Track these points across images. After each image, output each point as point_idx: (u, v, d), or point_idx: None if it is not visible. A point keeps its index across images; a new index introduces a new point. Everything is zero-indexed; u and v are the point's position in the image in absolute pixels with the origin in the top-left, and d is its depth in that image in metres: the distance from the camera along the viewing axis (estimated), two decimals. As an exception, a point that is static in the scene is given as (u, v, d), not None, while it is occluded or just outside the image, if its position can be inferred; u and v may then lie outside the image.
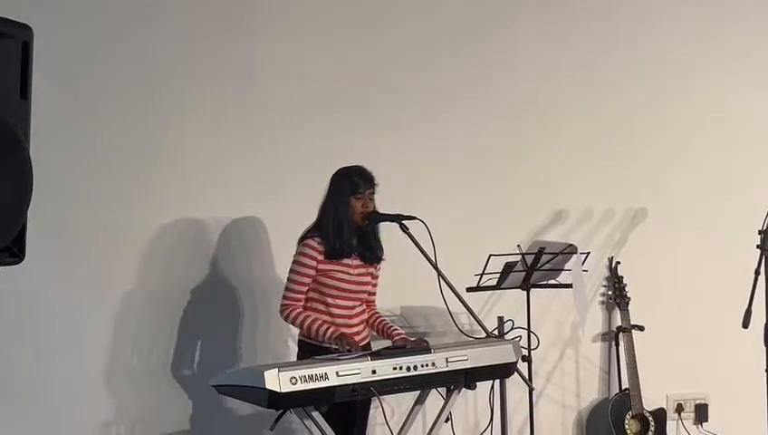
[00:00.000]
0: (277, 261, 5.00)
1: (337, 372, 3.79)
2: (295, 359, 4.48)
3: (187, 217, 5.02)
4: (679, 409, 5.60)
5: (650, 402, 5.34)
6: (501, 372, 4.33)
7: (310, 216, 4.42)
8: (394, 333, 4.43)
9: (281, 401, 3.72)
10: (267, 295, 5.00)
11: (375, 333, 4.53)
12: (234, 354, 5.05)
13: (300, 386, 3.69)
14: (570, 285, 4.90)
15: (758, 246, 4.49)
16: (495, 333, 4.63)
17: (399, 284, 4.80)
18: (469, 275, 4.73)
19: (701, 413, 5.63)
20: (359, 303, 4.44)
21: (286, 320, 4.36)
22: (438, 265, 4.25)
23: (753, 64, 5.70)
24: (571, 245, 4.94)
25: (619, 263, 5.51)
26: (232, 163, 5.07)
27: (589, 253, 5.07)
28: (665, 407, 5.46)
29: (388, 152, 5.15)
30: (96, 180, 4.94)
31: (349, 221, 4.33)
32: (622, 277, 5.48)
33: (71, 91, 4.92)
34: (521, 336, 4.57)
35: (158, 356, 4.99)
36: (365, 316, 4.50)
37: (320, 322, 4.29)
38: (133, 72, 5.00)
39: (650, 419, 5.29)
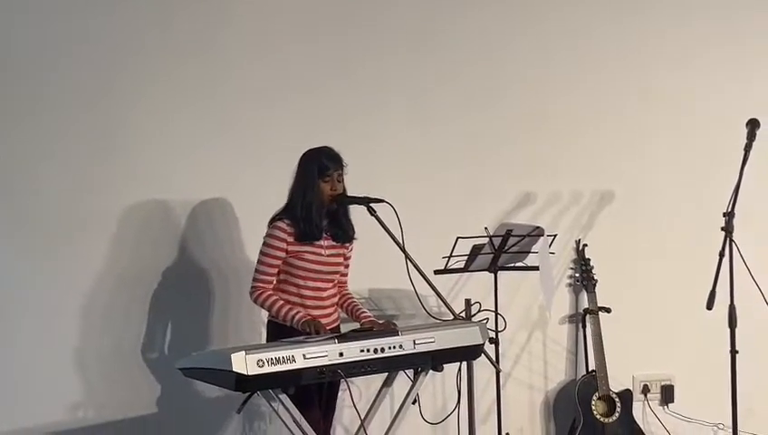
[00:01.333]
0: (246, 242, 5.00)
1: (304, 355, 3.79)
2: (265, 340, 4.49)
3: (154, 198, 4.99)
4: (645, 390, 5.65)
5: (617, 384, 5.38)
6: (468, 354, 4.34)
7: (279, 196, 4.40)
8: (362, 315, 4.44)
9: (248, 384, 3.72)
10: (239, 277, 4.99)
11: (345, 315, 4.55)
12: (205, 337, 5.05)
13: (267, 369, 3.69)
14: (537, 268, 4.92)
15: (722, 229, 4.53)
16: (463, 315, 4.64)
17: (368, 266, 4.80)
18: (437, 258, 4.74)
19: (667, 394, 5.68)
20: (330, 284, 4.44)
21: (255, 302, 4.36)
22: (406, 248, 4.26)
23: (718, 47, 5.73)
24: (538, 227, 4.95)
25: (586, 245, 5.54)
26: (200, 144, 5.04)
27: (556, 235, 5.10)
28: (631, 388, 5.50)
29: (357, 134, 5.14)
30: (60, 163, 4.91)
31: (318, 204, 4.32)
32: (589, 260, 5.51)
33: (31, 74, 4.88)
34: (488, 318, 4.57)
35: (128, 339, 4.98)
36: (337, 298, 4.50)
37: (288, 306, 4.28)
38: (96, 53, 4.95)
39: (617, 400, 5.33)
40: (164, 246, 5.02)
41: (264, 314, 4.54)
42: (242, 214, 5.06)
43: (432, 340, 4.12)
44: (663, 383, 5.68)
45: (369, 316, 4.44)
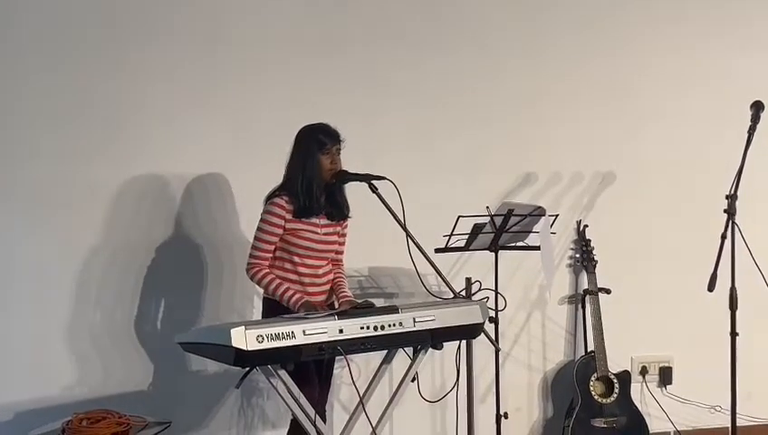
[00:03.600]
0: (241, 218, 4.99)
1: (304, 331, 3.78)
2: (260, 317, 4.47)
3: (150, 173, 4.98)
4: (644, 371, 5.65)
5: (615, 365, 5.38)
6: (467, 332, 4.32)
7: (274, 172, 4.38)
8: (341, 294, 4.41)
9: (247, 359, 3.70)
10: (232, 253, 5.00)
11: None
12: (198, 312, 5.04)
13: (266, 344, 3.68)
14: (538, 248, 4.90)
15: (725, 211, 4.51)
16: (463, 294, 4.63)
17: (368, 244, 4.80)
18: (438, 236, 4.72)
19: (665, 376, 5.68)
20: (325, 262, 4.42)
21: (252, 280, 4.34)
22: (407, 226, 4.24)
23: (720, 27, 5.70)
24: (539, 207, 4.94)
25: (586, 226, 5.53)
26: (196, 119, 5.02)
27: (557, 215, 5.08)
28: (629, 369, 5.49)
29: (357, 110, 5.13)
30: (56, 136, 4.89)
31: (318, 179, 4.30)
32: (590, 240, 5.49)
33: (30, 46, 4.85)
34: (488, 297, 4.56)
35: (122, 314, 4.97)
36: (332, 275, 4.48)
37: (285, 286, 4.27)
38: (93, 27, 4.93)
39: (615, 381, 5.33)
40: (159, 221, 5.01)
41: (258, 290, 4.52)
42: (237, 190, 5.04)
43: (432, 318, 4.11)
44: (661, 365, 5.68)
45: (348, 296, 4.41)
